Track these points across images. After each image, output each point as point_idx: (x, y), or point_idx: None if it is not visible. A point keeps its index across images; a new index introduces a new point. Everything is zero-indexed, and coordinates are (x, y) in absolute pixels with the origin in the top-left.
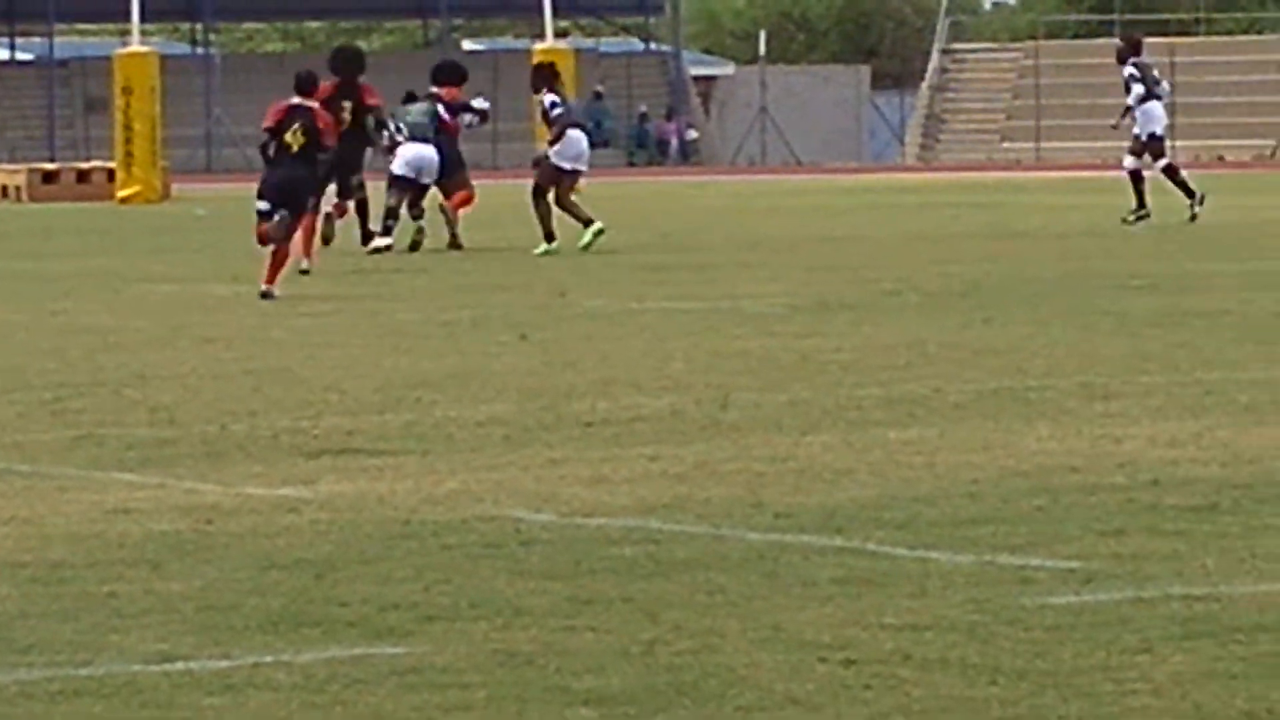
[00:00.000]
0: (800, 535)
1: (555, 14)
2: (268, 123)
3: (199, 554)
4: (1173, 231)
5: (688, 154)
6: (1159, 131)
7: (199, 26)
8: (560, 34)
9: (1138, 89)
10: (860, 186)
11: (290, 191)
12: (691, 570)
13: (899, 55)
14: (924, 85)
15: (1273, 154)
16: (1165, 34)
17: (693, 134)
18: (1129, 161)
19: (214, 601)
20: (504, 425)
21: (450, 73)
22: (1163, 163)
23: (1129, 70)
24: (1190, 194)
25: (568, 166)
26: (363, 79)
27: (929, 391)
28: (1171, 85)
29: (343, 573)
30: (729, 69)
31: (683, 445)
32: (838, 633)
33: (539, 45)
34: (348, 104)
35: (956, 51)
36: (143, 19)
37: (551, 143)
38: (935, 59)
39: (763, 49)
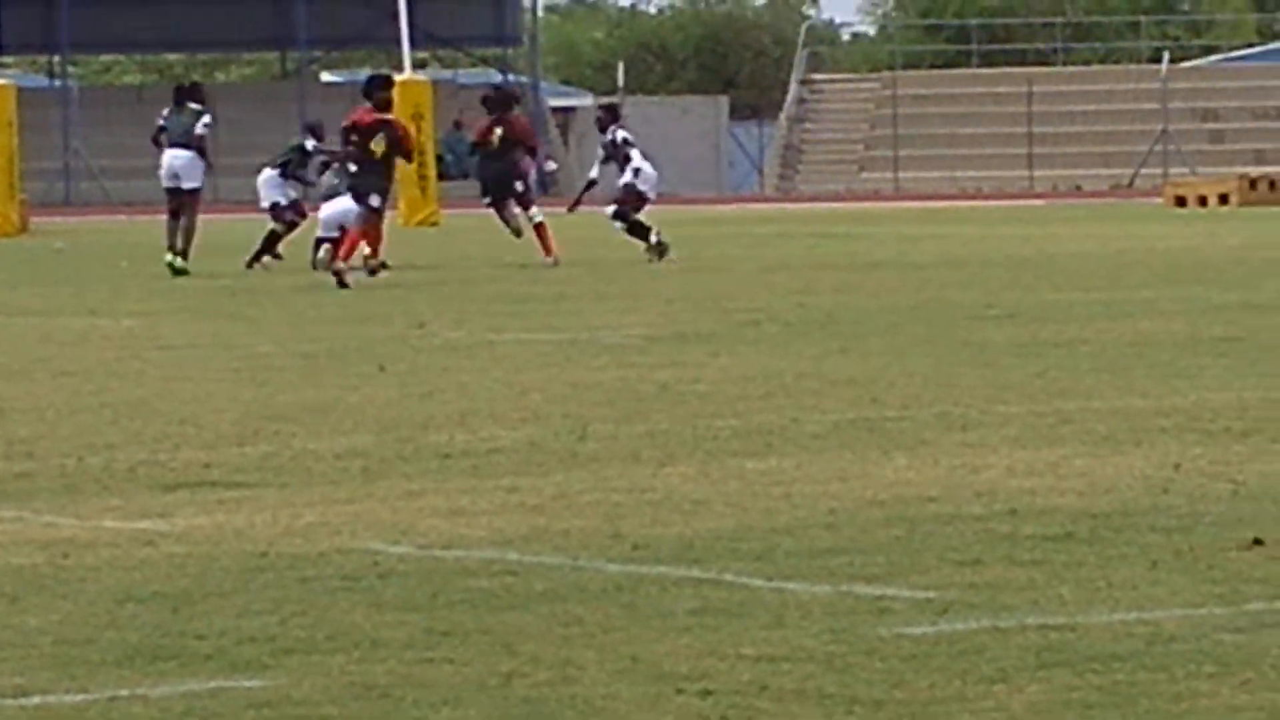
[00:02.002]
0: (658, 566)
1: (413, 45)
2: (350, 123)
3: (55, 588)
4: (1024, 262)
5: (546, 185)
6: (651, 194)
7: (56, 58)
8: (419, 65)
9: (636, 154)
10: (719, 217)
11: (367, 189)
12: (549, 602)
13: (757, 86)
14: (782, 116)
15: (1129, 183)
16: (1023, 64)
17: (551, 165)
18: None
19: (70, 635)
20: (362, 457)
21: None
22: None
23: (623, 135)
24: (647, 239)
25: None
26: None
27: (786, 422)
28: (1028, 115)
29: (200, 606)
30: (587, 100)
31: (541, 477)
32: (695, 663)
33: (398, 77)
34: (499, 130)
35: (815, 82)
36: None
37: None
38: (793, 89)
39: (621, 80)
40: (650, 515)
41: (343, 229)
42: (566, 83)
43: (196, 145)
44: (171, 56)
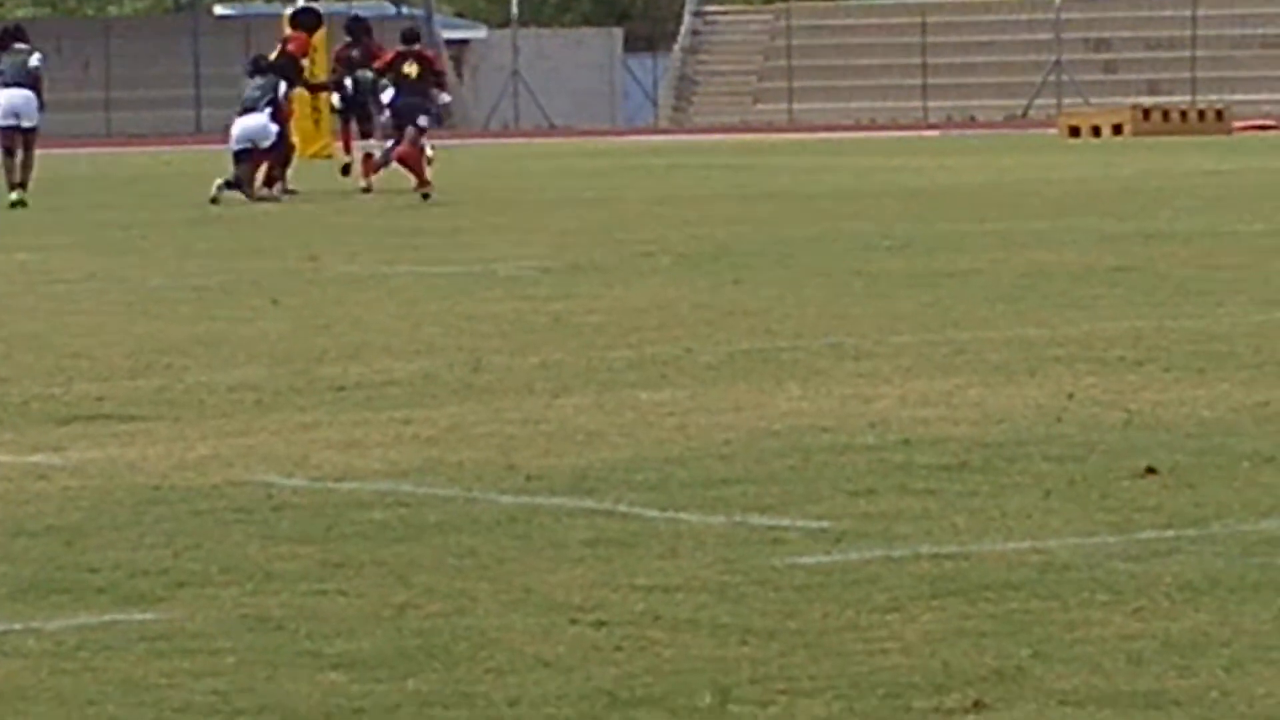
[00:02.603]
0: (552, 498)
1: None
2: (380, 64)
3: None
4: (918, 193)
5: (440, 118)
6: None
7: None
8: None
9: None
10: (613, 149)
11: (410, 110)
12: (443, 533)
13: (651, 17)
14: (676, 47)
15: (1023, 114)
16: None
17: (445, 98)
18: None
19: None
20: (255, 390)
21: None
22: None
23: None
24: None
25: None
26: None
27: (680, 353)
28: (922, 46)
29: (93, 539)
30: (481, 32)
31: (435, 409)
32: (589, 594)
33: (289, 9)
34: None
35: (708, 13)
36: None
37: None
38: (687, 21)
39: (515, 12)
40: (544, 446)
41: (254, 144)
42: (460, 15)
43: (34, 81)
44: None
